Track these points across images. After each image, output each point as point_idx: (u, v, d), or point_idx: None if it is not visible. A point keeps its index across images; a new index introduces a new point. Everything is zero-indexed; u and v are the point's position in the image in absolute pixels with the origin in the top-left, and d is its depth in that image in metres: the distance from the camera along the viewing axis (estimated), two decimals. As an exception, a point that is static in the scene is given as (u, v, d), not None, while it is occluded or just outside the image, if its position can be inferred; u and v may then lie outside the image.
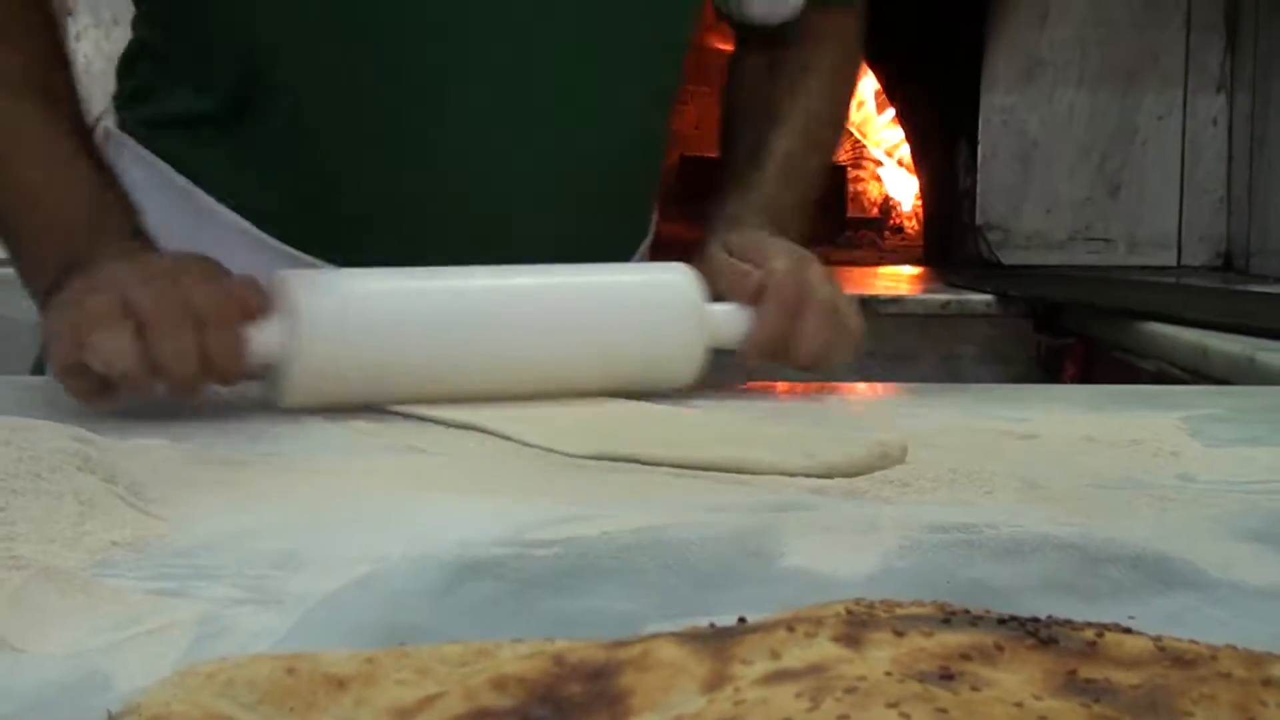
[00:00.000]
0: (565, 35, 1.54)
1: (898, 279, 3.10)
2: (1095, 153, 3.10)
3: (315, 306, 1.24)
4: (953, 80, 3.16)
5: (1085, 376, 2.38)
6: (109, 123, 1.63)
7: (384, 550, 0.82)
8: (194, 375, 1.19)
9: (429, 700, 0.50)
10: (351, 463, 1.08)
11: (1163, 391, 1.59)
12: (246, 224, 1.51)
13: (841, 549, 0.83)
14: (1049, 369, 2.49)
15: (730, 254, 1.43)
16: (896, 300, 2.78)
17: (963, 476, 1.07)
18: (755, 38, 1.76)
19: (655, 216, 1.77)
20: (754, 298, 1.37)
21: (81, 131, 1.42)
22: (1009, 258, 3.10)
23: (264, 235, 1.51)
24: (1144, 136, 3.16)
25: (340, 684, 0.51)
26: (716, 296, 1.39)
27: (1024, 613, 0.57)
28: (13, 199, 1.40)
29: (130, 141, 1.58)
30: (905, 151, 3.73)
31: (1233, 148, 3.16)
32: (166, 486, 0.93)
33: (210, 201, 1.53)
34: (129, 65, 1.65)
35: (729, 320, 1.36)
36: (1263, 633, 0.62)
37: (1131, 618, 0.64)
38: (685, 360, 1.33)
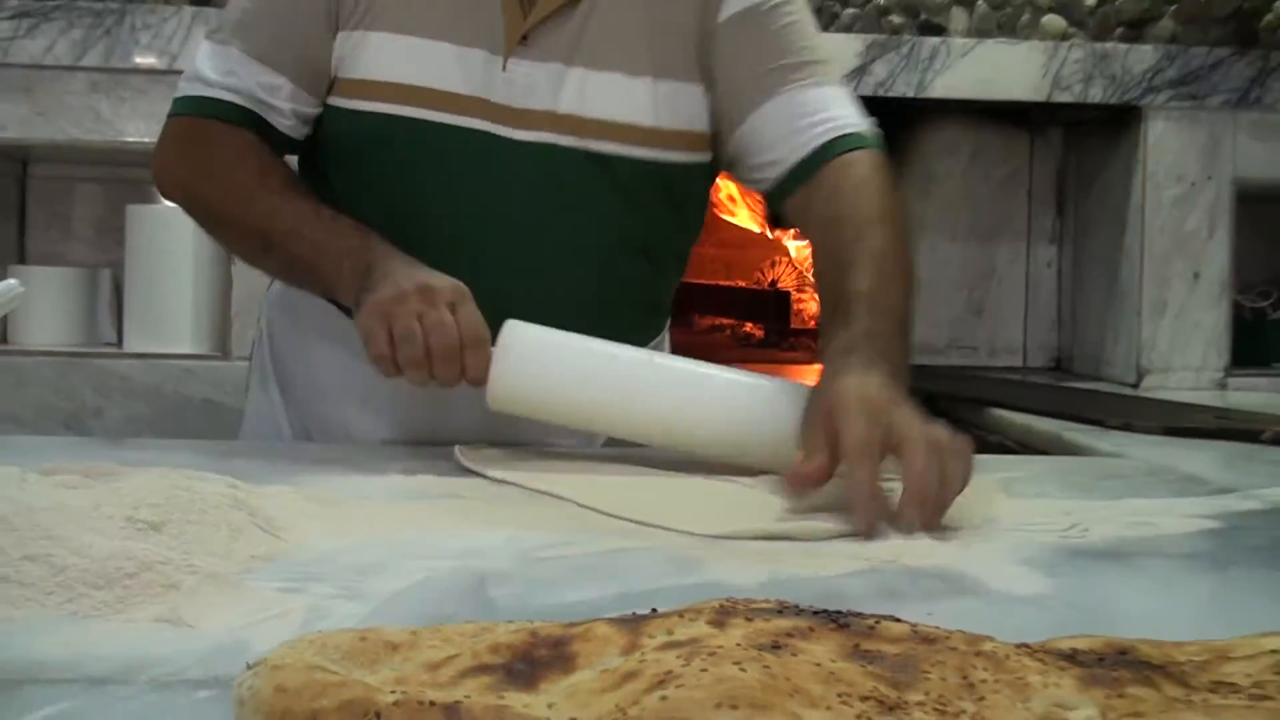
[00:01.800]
0: (570, 232, 1.51)
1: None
2: (965, 286, 3.04)
3: (519, 357, 1.26)
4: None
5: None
6: None
7: (435, 564, 0.87)
8: (452, 347, 1.23)
9: (450, 659, 0.55)
10: (417, 504, 1.10)
11: (991, 459, 1.54)
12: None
13: (745, 567, 0.87)
14: None
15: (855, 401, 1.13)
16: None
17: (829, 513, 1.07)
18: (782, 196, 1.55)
19: (668, 321, 1.69)
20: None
21: (317, 201, 1.43)
22: (903, 360, 3.07)
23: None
24: (1000, 275, 3.13)
25: (394, 647, 0.55)
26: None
27: (863, 610, 0.61)
28: (312, 252, 1.40)
29: None
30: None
31: (1061, 283, 3.13)
32: (289, 519, 0.97)
33: None
34: None
35: None
36: (1012, 624, 0.66)
37: (929, 614, 0.68)
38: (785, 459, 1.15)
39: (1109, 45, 2.80)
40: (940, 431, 1.08)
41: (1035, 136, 3.18)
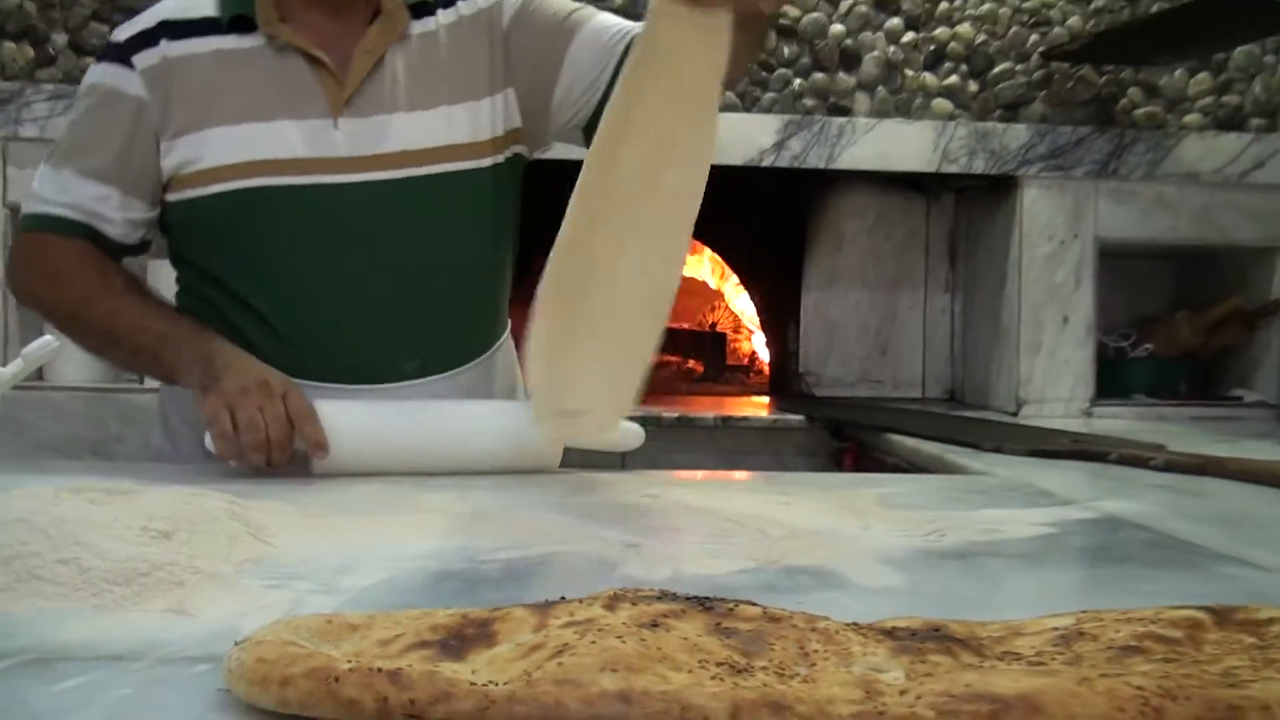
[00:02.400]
0: (399, 252, 1.51)
1: (755, 405, 3.04)
2: (872, 328, 3.08)
3: (336, 425, 1.31)
4: (785, 283, 3.12)
5: (857, 467, 2.36)
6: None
7: (398, 564, 0.89)
8: (287, 436, 1.28)
9: (397, 637, 0.58)
10: (385, 516, 1.11)
11: (875, 477, 1.54)
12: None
13: (654, 567, 0.90)
14: (837, 463, 2.46)
15: None
16: (748, 418, 2.73)
17: (732, 522, 1.13)
18: None
19: (508, 320, 1.70)
20: None
21: (165, 304, 1.49)
22: (820, 392, 3.04)
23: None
24: (902, 319, 3.15)
25: (354, 628, 0.59)
26: None
27: (742, 598, 0.65)
28: (155, 341, 1.43)
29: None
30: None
31: (953, 326, 3.15)
32: (278, 528, 0.99)
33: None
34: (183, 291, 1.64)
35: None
36: (865, 611, 0.68)
37: (799, 603, 0.72)
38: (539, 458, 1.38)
39: (989, 124, 2.84)
40: None
41: (930, 201, 3.21)
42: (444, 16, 1.59)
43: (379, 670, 0.52)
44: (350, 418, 1.34)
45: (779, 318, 3.26)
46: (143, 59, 1.50)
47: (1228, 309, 2.95)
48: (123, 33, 1.54)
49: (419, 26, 1.57)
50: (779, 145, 2.72)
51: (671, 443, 2.43)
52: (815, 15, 2.83)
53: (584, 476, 1.38)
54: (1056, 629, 0.63)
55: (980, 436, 2.09)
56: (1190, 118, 2.94)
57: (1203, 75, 2.95)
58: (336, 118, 1.50)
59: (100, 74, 1.53)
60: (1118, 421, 2.68)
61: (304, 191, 1.50)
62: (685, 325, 3.63)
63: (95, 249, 1.49)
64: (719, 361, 3.49)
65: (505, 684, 0.51)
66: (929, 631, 0.62)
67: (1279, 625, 0.61)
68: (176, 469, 1.39)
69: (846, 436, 2.51)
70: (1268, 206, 2.89)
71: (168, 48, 1.51)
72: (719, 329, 3.55)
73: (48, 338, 1.37)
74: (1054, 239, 2.85)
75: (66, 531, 0.78)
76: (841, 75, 2.85)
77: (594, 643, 0.54)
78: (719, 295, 3.57)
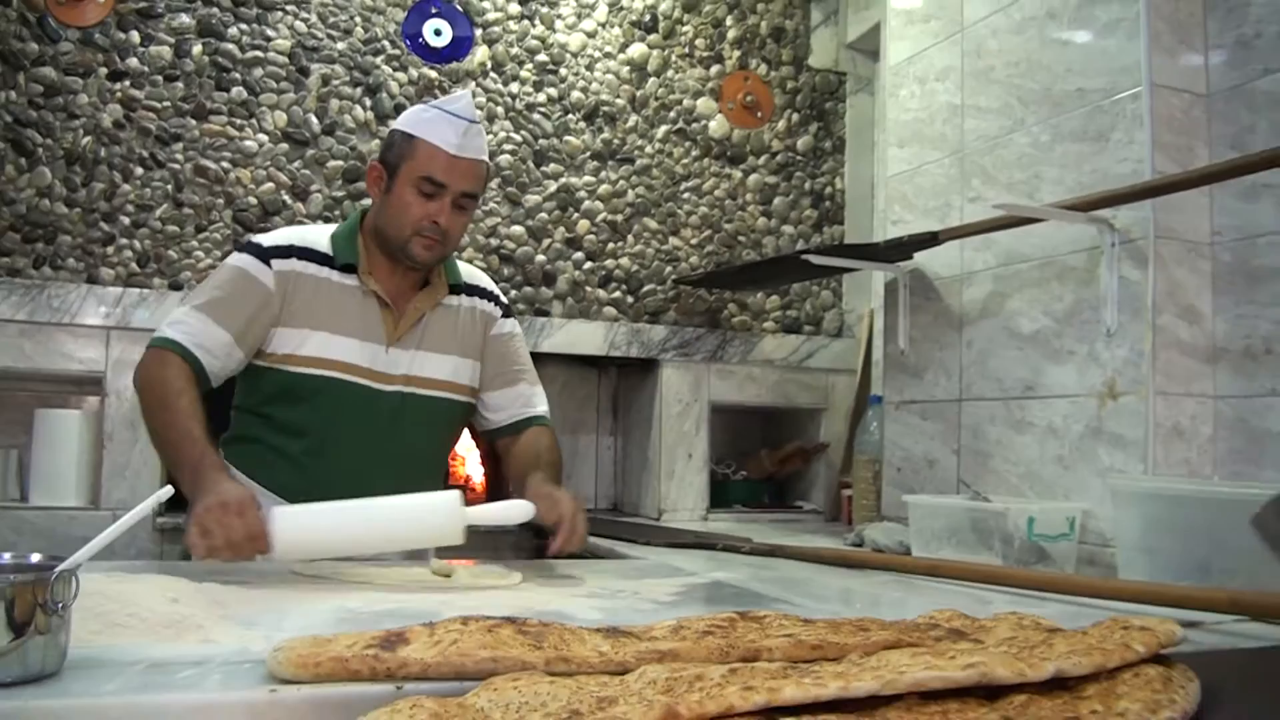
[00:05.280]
0: (399, 438, 1.65)
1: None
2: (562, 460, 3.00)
3: (280, 532, 1.30)
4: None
5: (555, 555, 2.39)
6: None
7: (312, 619, 1.02)
8: (245, 546, 1.29)
9: (355, 642, 0.79)
10: (300, 591, 1.20)
11: (578, 563, 1.62)
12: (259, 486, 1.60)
13: (499, 602, 0.98)
14: (541, 553, 2.39)
15: (548, 490, 1.49)
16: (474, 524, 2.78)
17: (508, 591, 1.25)
18: (498, 436, 1.78)
19: (446, 478, 1.84)
20: (564, 508, 1.45)
21: (205, 431, 1.46)
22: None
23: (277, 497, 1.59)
24: (581, 454, 3.16)
25: (329, 641, 0.82)
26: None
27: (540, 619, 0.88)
28: (174, 452, 1.44)
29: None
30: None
31: (616, 458, 3.19)
32: (237, 597, 1.09)
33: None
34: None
35: (480, 513, 1.35)
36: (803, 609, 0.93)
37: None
38: (450, 534, 1.32)
39: (640, 324, 2.99)
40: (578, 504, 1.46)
41: (601, 374, 3.26)
42: (465, 301, 1.74)
43: (367, 654, 0.78)
44: (297, 521, 1.32)
45: (491, 449, 3.18)
46: (278, 264, 1.60)
47: (793, 448, 3.13)
48: (266, 240, 1.62)
49: (450, 300, 1.72)
50: (500, 334, 2.68)
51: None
52: (526, 248, 2.90)
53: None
54: (671, 623, 0.91)
55: (636, 534, 2.26)
56: (768, 324, 3.13)
57: (775, 298, 3.15)
58: (389, 346, 1.65)
59: (244, 261, 1.60)
60: (724, 523, 2.80)
61: (356, 387, 1.63)
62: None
63: (190, 372, 1.52)
64: (446, 482, 3.28)
65: (431, 658, 0.79)
66: (615, 630, 0.90)
67: (771, 616, 0.95)
68: (163, 564, 1.40)
69: (545, 534, 2.54)
70: (816, 383, 3.12)
71: (296, 263, 1.61)
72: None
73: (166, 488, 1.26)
74: (682, 401, 3.00)
75: (125, 599, 0.93)
76: (544, 289, 2.92)
77: (465, 639, 0.81)
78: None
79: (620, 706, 0.60)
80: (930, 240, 2.18)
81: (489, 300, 1.81)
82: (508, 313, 1.84)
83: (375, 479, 1.54)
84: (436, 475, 1.82)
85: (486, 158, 1.67)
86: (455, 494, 1.31)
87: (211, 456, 1.43)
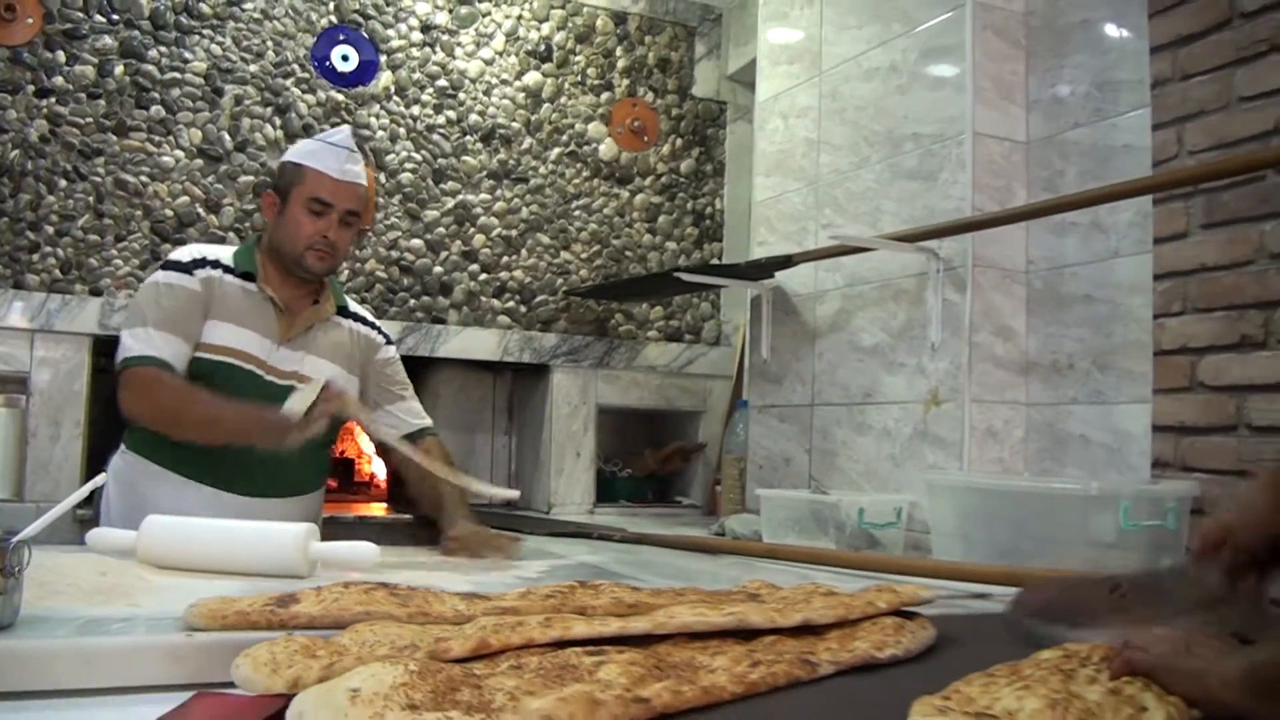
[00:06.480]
0: (284, 475, 1.77)
1: (378, 510, 2.97)
2: (459, 458, 2.74)
3: (144, 538, 1.31)
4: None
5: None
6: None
7: (222, 590, 1.07)
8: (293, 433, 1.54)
9: (255, 600, 0.92)
10: (178, 579, 1.26)
11: None
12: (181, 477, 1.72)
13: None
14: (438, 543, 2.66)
15: (468, 532, 1.64)
16: (376, 517, 2.78)
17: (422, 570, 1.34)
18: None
19: (322, 497, 1.92)
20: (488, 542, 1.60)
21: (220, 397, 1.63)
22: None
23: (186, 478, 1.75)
24: (478, 451, 3.16)
25: (232, 600, 1.00)
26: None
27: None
28: (220, 412, 1.62)
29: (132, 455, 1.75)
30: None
31: (510, 456, 3.21)
32: (156, 576, 1.18)
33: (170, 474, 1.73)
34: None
35: (328, 551, 1.33)
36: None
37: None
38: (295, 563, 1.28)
39: (533, 333, 3.06)
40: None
41: (496, 378, 3.31)
42: (350, 324, 1.88)
43: (265, 609, 0.92)
44: (161, 532, 1.32)
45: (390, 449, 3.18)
46: (199, 272, 1.74)
47: (673, 448, 3.24)
48: (184, 256, 1.74)
49: (337, 319, 1.85)
50: (400, 340, 2.70)
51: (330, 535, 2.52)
52: (425, 260, 2.96)
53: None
54: (522, 590, 1.10)
55: (530, 526, 2.36)
56: (652, 333, 3.23)
57: (658, 308, 3.27)
58: (280, 344, 1.77)
59: (173, 277, 1.72)
60: (609, 517, 2.89)
61: (251, 375, 1.75)
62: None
63: (173, 375, 1.65)
64: (349, 479, 3.48)
65: (317, 612, 0.94)
66: (473, 594, 1.06)
67: (606, 585, 1.12)
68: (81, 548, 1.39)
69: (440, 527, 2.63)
70: (695, 387, 3.25)
71: (211, 271, 1.74)
72: (347, 455, 3.53)
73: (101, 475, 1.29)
74: (571, 404, 3.09)
75: (62, 570, 1.05)
76: (441, 298, 2.99)
77: (345, 598, 0.95)
78: (350, 429, 3.56)
79: (449, 641, 0.77)
80: (785, 262, 2.41)
81: (372, 329, 1.96)
82: (389, 341, 2.00)
83: (262, 461, 1.69)
84: (315, 462, 1.92)
85: (365, 181, 1.83)
86: (307, 528, 1.32)
87: (255, 407, 1.61)
